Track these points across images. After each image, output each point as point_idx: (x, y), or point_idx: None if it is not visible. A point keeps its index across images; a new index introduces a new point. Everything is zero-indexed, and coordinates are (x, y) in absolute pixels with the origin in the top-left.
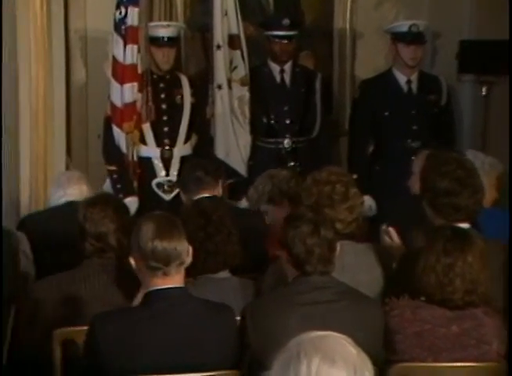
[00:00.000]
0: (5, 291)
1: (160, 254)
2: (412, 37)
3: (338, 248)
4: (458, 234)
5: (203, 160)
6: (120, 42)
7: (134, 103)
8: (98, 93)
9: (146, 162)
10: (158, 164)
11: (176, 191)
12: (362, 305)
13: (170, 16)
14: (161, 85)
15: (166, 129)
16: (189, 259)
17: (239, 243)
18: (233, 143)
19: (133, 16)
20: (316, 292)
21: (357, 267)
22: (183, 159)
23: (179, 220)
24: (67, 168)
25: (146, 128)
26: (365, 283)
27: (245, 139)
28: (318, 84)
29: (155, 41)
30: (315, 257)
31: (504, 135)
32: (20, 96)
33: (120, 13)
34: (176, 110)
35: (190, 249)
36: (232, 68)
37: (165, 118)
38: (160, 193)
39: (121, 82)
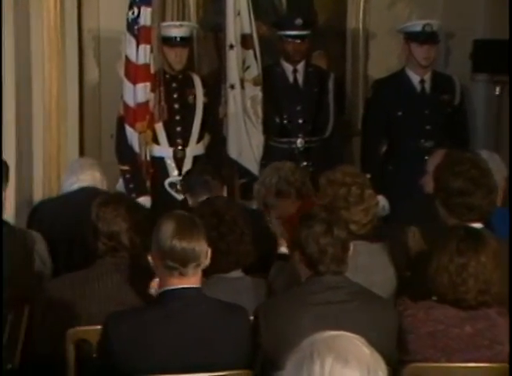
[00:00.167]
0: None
1: (178, 255)
2: (426, 37)
3: (351, 248)
4: (471, 234)
5: (208, 165)
6: (133, 42)
7: (146, 102)
8: (111, 93)
9: (159, 162)
10: (171, 163)
11: None
12: (375, 306)
13: (182, 15)
14: (174, 85)
15: (178, 129)
16: (207, 261)
17: (252, 243)
18: (246, 143)
19: (146, 15)
20: (329, 292)
21: (371, 267)
22: (196, 159)
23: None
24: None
25: (159, 127)
26: (379, 284)
27: (258, 138)
28: (331, 84)
29: (168, 41)
30: (329, 257)
31: None
32: (34, 96)
33: (133, 13)
34: (189, 109)
35: (209, 251)
36: (244, 68)
37: (178, 118)
38: (172, 192)
39: (134, 82)
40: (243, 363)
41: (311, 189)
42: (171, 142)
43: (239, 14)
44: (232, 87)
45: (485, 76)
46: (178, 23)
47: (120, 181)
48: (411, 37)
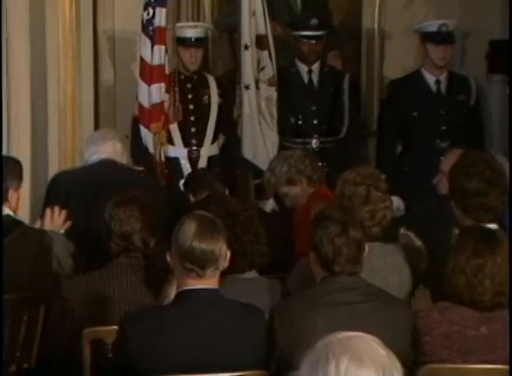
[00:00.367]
0: (34, 291)
1: (197, 256)
2: (442, 37)
3: (367, 249)
4: (487, 235)
5: (212, 169)
6: (148, 43)
7: (161, 103)
8: (126, 93)
9: (174, 162)
10: (185, 164)
11: None
12: (390, 306)
13: (197, 16)
14: (188, 86)
15: (193, 129)
16: (226, 263)
17: (267, 243)
18: (261, 144)
19: (161, 16)
20: (344, 293)
21: (387, 269)
22: (210, 159)
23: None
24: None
25: (174, 128)
26: (394, 285)
27: (272, 139)
28: (346, 85)
29: (182, 41)
30: (344, 257)
31: None
32: (49, 97)
33: (148, 14)
34: (203, 110)
35: (228, 253)
36: (259, 68)
37: (192, 119)
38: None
39: (149, 83)
40: (259, 364)
41: (323, 176)
42: (186, 143)
43: (254, 15)
44: (247, 87)
45: (501, 77)
46: (192, 23)
47: None
48: (427, 37)
